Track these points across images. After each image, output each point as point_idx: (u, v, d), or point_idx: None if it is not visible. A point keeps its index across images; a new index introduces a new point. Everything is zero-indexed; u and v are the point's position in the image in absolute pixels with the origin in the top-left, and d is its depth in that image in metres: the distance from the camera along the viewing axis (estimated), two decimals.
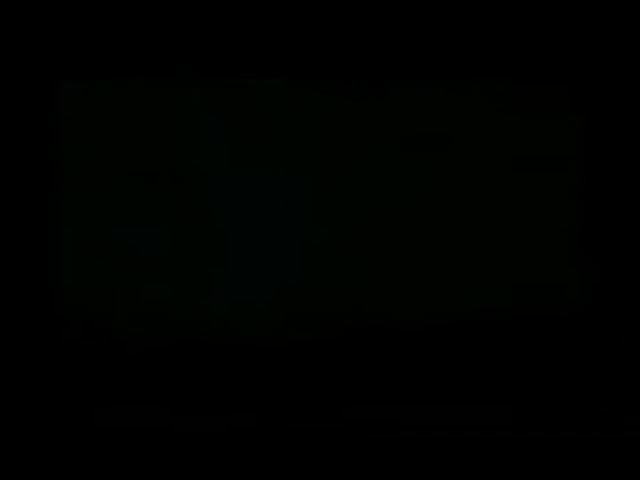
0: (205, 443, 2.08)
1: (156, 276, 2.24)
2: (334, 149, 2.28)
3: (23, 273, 2.17)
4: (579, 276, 2.24)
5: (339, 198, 2.28)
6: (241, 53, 2.22)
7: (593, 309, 2.20)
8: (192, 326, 2.24)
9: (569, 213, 2.25)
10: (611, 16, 2.18)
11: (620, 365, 2.18)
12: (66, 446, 2.09)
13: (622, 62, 2.18)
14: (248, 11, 2.20)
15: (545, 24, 2.18)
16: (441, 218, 2.28)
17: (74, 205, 2.23)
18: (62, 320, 2.19)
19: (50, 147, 2.19)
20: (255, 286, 2.25)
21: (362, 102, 2.27)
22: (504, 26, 2.19)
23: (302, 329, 2.24)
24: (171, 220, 2.26)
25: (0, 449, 2.07)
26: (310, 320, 2.24)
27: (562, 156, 2.27)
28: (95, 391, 2.20)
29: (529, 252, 2.26)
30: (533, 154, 2.28)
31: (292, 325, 2.24)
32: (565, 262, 2.25)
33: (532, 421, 2.18)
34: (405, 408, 2.22)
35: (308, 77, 2.24)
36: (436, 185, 2.27)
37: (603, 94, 2.21)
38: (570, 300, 2.22)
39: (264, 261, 2.26)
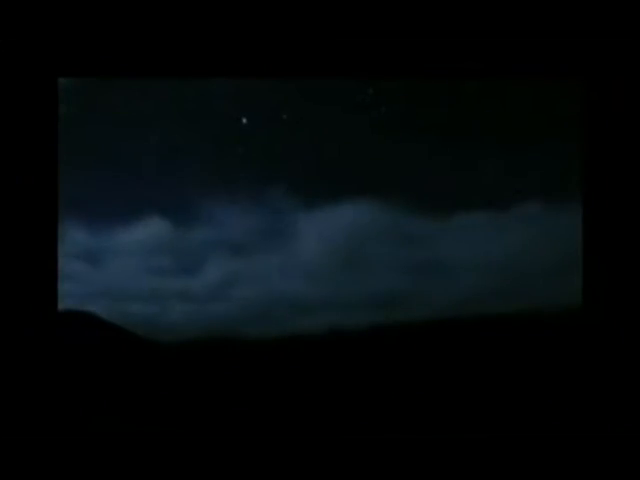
0: None
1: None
2: None
3: (25, 267, 2.17)
4: (579, 276, 2.25)
5: None
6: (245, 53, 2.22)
7: (593, 309, 2.21)
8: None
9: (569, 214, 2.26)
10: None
11: (620, 365, 2.18)
12: (67, 446, 2.09)
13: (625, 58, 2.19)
14: (250, 11, 2.21)
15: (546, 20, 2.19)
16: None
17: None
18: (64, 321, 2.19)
19: (52, 142, 2.19)
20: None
21: None
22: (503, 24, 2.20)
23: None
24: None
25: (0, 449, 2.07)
26: None
27: (561, 156, 2.28)
28: (96, 392, 2.20)
29: (528, 251, 2.27)
30: (532, 149, 2.29)
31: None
32: (565, 262, 2.25)
33: (532, 421, 2.18)
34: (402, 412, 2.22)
35: None
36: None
37: (606, 88, 2.21)
38: (570, 300, 2.23)
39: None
